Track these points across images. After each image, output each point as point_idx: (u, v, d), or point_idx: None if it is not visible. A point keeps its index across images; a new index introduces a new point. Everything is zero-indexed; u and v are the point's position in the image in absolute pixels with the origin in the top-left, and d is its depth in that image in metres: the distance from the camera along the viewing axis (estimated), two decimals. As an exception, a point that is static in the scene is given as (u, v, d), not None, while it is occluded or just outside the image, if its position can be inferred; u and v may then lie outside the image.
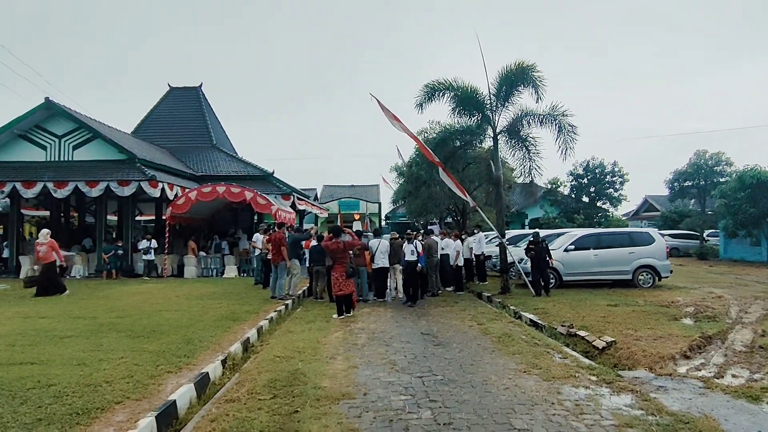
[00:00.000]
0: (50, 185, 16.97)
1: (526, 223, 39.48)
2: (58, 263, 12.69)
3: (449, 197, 18.53)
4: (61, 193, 17.18)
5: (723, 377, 5.57)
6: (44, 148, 18.61)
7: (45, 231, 12.93)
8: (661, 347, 6.66)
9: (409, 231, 12.69)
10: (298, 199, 21.78)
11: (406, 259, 11.67)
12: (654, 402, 4.75)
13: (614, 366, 6.34)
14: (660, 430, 4.09)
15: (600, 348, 7.10)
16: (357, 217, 23.74)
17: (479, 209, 13.59)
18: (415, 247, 11.67)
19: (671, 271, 13.71)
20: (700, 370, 5.87)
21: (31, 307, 10.26)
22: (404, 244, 11.85)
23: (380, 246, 11.91)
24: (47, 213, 23.41)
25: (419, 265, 11.71)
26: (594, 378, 5.51)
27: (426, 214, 21.36)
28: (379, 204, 44.28)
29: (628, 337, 7.29)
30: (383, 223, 46.69)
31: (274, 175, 21.54)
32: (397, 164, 24.50)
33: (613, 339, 7.25)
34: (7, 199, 18.80)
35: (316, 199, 45.08)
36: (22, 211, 20.95)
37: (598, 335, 7.57)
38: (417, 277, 11.80)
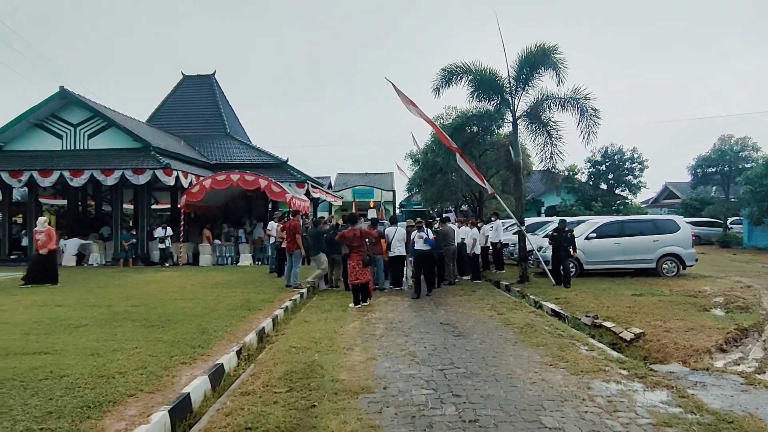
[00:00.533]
0: (66, 174, 17.02)
1: (543, 211, 38.91)
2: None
3: (466, 184, 18.20)
4: (77, 182, 17.23)
5: (765, 372, 5.26)
6: (60, 137, 18.66)
7: (42, 219, 12.69)
8: (694, 339, 6.34)
9: (418, 219, 12.25)
10: (313, 187, 21.62)
11: (416, 248, 11.10)
12: (692, 399, 4.47)
13: (645, 359, 6.05)
14: (702, 430, 3.82)
15: (628, 340, 6.81)
16: (372, 204, 23.51)
17: (497, 196, 13.26)
18: (427, 235, 11.06)
19: (696, 260, 13.28)
20: (738, 364, 5.57)
21: (48, 296, 10.26)
22: (413, 233, 11.37)
23: (396, 234, 11.68)
24: (64, 201, 23.59)
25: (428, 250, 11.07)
26: (625, 372, 5.23)
27: (442, 202, 21.03)
28: (394, 192, 44.02)
29: (657, 329, 6.98)
30: (398, 211, 46.51)
31: (289, 163, 21.36)
32: (412, 151, 24.15)
33: (641, 330, 6.95)
34: (25, 188, 18.93)
35: (330, 187, 45.00)
36: (40, 199, 21.11)
37: (624, 326, 7.27)
38: (431, 266, 11.41)
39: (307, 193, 20.31)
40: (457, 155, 11.99)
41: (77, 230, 20.17)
